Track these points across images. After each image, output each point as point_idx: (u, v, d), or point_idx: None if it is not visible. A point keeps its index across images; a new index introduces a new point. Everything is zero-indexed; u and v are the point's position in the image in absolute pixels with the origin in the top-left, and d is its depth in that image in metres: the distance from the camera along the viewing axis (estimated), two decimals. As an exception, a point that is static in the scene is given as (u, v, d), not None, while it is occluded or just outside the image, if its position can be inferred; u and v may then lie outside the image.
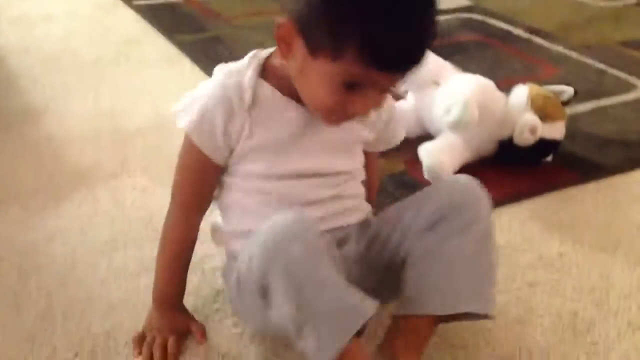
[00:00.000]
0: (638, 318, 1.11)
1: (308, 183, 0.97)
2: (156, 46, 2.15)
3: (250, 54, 0.96)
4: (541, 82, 1.60)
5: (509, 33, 2.23)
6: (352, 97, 0.85)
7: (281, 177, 0.97)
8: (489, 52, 2.10)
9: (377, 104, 0.89)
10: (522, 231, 1.33)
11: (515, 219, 1.36)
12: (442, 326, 0.99)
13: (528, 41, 2.17)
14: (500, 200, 1.41)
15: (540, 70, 1.97)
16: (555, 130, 1.49)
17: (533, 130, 1.46)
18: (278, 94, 0.94)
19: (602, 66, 1.96)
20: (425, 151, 1.46)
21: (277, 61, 0.92)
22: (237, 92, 0.92)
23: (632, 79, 1.90)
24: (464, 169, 1.48)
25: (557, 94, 1.52)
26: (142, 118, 1.71)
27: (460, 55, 2.04)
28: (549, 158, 1.53)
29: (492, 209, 0.98)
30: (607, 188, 1.46)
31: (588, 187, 1.46)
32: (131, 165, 1.51)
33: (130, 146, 1.59)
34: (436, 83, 1.56)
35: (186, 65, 2.01)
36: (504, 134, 1.51)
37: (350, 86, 0.84)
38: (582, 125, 1.67)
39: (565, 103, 1.53)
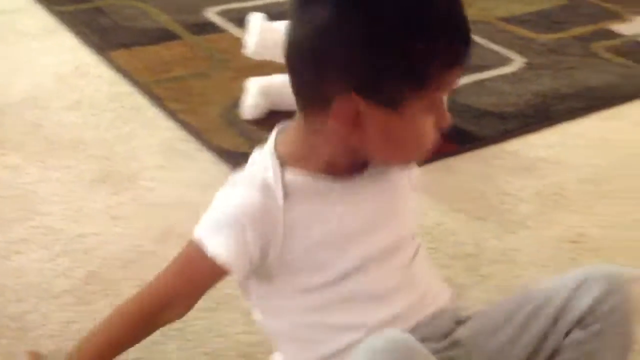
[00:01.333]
0: (505, 282, 1.16)
1: (373, 271, 0.81)
2: (34, 17, 2.05)
3: (259, 152, 0.81)
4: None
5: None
6: (439, 113, 0.78)
7: (343, 276, 0.80)
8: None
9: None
10: (401, 202, 1.36)
11: (396, 190, 1.39)
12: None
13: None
14: (382, 172, 1.44)
15: (425, 44, 2.01)
16: (435, 103, 1.53)
17: (413, 103, 1.49)
18: (308, 176, 0.79)
19: (482, 41, 2.02)
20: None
21: (286, 139, 0.80)
22: (268, 193, 0.77)
23: (510, 53, 1.96)
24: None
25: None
26: (17, 93, 1.64)
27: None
28: (429, 130, 1.57)
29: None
30: (482, 158, 1.51)
31: (465, 157, 1.51)
32: (3, 142, 1.44)
33: (3, 122, 1.52)
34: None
35: (66, 38, 1.93)
36: (386, 106, 1.53)
37: (435, 104, 0.77)
38: (462, 97, 1.72)
39: (444, 76, 1.56)
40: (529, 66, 1.90)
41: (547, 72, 1.87)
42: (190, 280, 0.82)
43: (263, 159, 0.80)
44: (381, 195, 0.82)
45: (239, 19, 2.03)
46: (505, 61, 1.92)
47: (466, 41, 0.78)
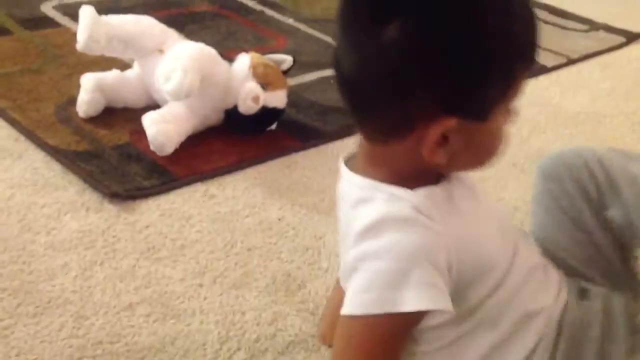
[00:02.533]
0: (344, 273, 1.18)
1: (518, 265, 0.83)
2: None
3: (365, 183, 0.79)
4: (272, 52, 1.63)
5: (243, 5, 2.25)
6: (510, 112, 0.78)
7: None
8: (223, 22, 2.09)
9: None
10: (244, 198, 1.35)
11: (239, 187, 1.38)
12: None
13: (261, 13, 2.20)
14: (225, 169, 1.42)
15: (271, 41, 2.01)
16: (277, 99, 1.53)
17: (256, 99, 1.49)
18: (428, 189, 0.76)
19: (327, 39, 2.05)
20: (149, 120, 1.43)
21: (374, 170, 0.78)
22: (422, 222, 0.73)
23: (355, 51, 2.00)
24: (191, 138, 1.47)
25: (278, 63, 1.56)
26: None
27: (195, 25, 2.02)
28: (273, 126, 1.57)
29: None
30: (325, 154, 1.52)
31: (309, 152, 1.52)
32: None
33: None
34: (161, 51, 1.53)
35: None
36: (229, 102, 1.51)
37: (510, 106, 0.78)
38: (307, 94, 1.73)
39: (286, 72, 1.57)
40: (372, 64, 1.95)
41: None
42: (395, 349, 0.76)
43: (372, 192, 0.76)
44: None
45: (76, 14, 1.94)
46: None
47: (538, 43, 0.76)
